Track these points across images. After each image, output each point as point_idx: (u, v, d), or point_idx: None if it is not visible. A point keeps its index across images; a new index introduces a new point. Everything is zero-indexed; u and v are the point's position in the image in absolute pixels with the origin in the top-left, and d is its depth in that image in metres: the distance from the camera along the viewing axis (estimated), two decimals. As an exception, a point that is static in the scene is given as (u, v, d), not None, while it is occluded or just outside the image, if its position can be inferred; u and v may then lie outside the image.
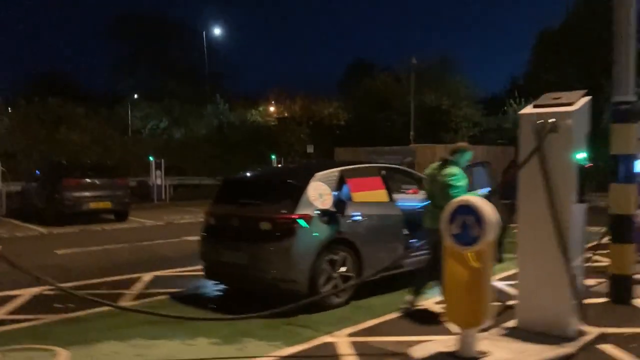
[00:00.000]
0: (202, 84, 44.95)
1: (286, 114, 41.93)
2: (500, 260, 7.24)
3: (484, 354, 4.22)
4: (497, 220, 4.19)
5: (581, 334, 5.10)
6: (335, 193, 6.76)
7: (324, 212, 6.54)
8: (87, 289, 7.77)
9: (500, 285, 7.48)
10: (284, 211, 6.39)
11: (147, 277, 8.45)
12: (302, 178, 6.73)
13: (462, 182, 6.08)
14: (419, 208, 8.25)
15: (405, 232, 7.49)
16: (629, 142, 6.52)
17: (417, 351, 4.43)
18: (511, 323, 5.46)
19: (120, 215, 15.94)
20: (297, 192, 6.54)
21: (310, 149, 28.80)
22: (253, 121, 33.53)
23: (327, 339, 5.44)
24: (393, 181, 8.22)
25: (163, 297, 7.26)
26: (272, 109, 47.74)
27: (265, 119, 36.61)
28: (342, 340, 5.39)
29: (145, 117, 35.55)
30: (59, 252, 10.91)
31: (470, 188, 8.10)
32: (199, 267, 9.03)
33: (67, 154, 21.24)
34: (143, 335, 5.64)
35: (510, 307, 5.92)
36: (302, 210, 6.38)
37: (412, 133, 30.49)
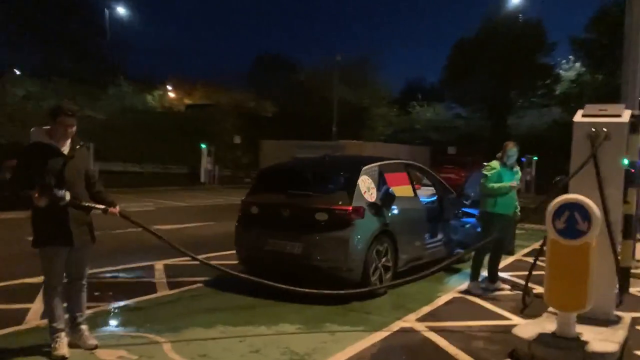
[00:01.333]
0: (100, 65, 42.67)
1: (186, 101, 41.00)
2: (511, 252, 8.00)
3: (580, 334, 4.82)
4: (601, 215, 4.79)
5: (619, 317, 5.87)
6: (386, 187, 7.14)
7: (372, 205, 6.89)
8: (109, 276, 7.55)
9: (505, 275, 8.26)
10: (341, 203, 6.65)
11: (158, 265, 8.28)
12: (353, 171, 7.03)
13: (491, 172, 7.01)
14: (428, 203, 8.87)
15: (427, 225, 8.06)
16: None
17: (522, 333, 4.94)
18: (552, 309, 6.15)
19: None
20: (350, 185, 6.84)
21: (237, 140, 28.65)
22: (168, 107, 32.60)
23: (401, 324, 5.81)
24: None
25: (197, 285, 7.23)
26: (171, 94, 46.52)
27: (161, 104, 35.61)
28: (416, 325, 5.80)
29: (28, 96, 32.93)
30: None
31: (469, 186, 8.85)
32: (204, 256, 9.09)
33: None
34: (223, 321, 5.67)
35: (538, 296, 6.60)
36: (357, 203, 6.69)
37: (334, 129, 31.35)
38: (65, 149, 4.53)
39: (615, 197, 5.80)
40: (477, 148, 30.62)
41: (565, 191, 6.29)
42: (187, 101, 44.65)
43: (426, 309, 6.42)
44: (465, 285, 7.63)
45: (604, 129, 5.88)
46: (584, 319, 5.60)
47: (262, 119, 31.70)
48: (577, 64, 30.78)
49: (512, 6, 30.05)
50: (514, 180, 7.18)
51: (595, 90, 26.75)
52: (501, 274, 8.21)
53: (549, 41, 32.35)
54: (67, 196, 4.36)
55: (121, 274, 7.78)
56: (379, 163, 7.47)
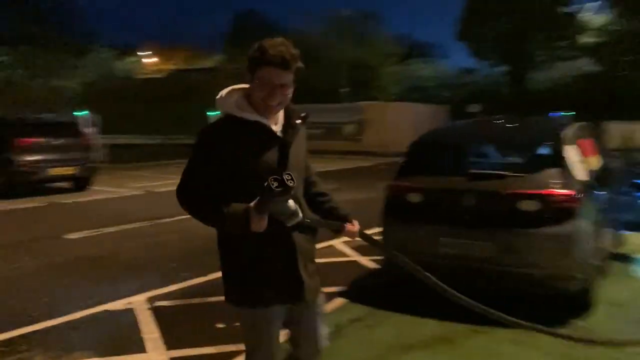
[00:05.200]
0: (71, 32, 39.33)
1: (165, 66, 38.33)
2: None
3: None
4: None
5: None
6: (605, 161, 5.30)
7: (587, 187, 5.03)
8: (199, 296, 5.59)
9: None
10: (554, 185, 4.76)
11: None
12: (551, 138, 5.15)
13: None
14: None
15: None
16: None
17: None
18: None
19: (81, 183, 12.91)
20: (556, 158, 4.94)
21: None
22: (171, 73, 30.06)
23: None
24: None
25: (340, 299, 5.37)
26: (148, 60, 43.76)
27: (140, 70, 33.07)
28: None
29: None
30: (71, 236, 8.21)
31: None
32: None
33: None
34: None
35: None
36: (575, 184, 4.82)
37: (343, 90, 29.21)
38: (278, 127, 2.47)
39: None
40: (496, 105, 28.84)
41: None
42: (167, 66, 41.97)
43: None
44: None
45: None
46: None
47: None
48: (605, 11, 28.93)
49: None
50: None
51: (634, 36, 24.86)
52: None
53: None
54: (299, 212, 2.37)
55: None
56: (571, 126, 5.57)
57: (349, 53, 30.42)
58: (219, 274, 2.53)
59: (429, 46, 50.68)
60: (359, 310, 5.11)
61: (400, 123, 23.43)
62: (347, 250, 7.34)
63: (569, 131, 5.29)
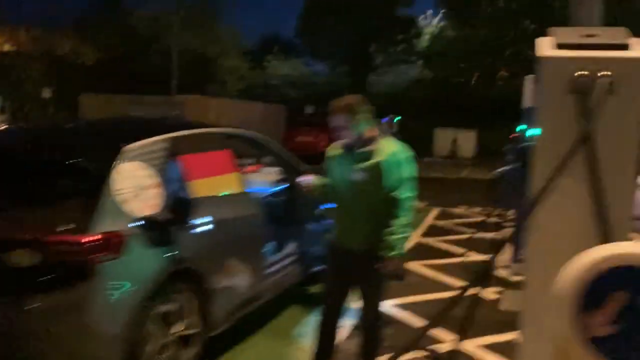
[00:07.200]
0: None
1: (8, 47, 33.98)
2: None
3: None
4: None
5: None
6: (177, 185, 3.60)
7: (149, 224, 3.33)
8: None
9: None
10: (66, 227, 3.00)
11: None
12: (99, 155, 3.37)
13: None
14: (272, 196, 5.49)
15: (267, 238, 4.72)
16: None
17: None
18: None
19: None
20: (91, 186, 3.19)
21: (46, 93, 22.94)
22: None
23: None
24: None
25: None
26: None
27: None
28: None
29: None
30: None
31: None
32: None
33: None
34: None
35: None
36: (104, 225, 3.08)
37: (174, 81, 26.74)
38: None
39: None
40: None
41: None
42: (9, 47, 37.06)
43: None
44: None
45: (606, 73, 2.76)
46: None
47: (81, 68, 25.83)
48: (437, 19, 29.02)
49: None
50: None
51: (464, 43, 24.89)
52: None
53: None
54: None
55: None
56: (167, 135, 3.85)
57: (186, 42, 27.96)
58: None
59: (291, 43, 49.48)
60: None
61: (225, 122, 21.57)
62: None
63: (140, 144, 3.52)
